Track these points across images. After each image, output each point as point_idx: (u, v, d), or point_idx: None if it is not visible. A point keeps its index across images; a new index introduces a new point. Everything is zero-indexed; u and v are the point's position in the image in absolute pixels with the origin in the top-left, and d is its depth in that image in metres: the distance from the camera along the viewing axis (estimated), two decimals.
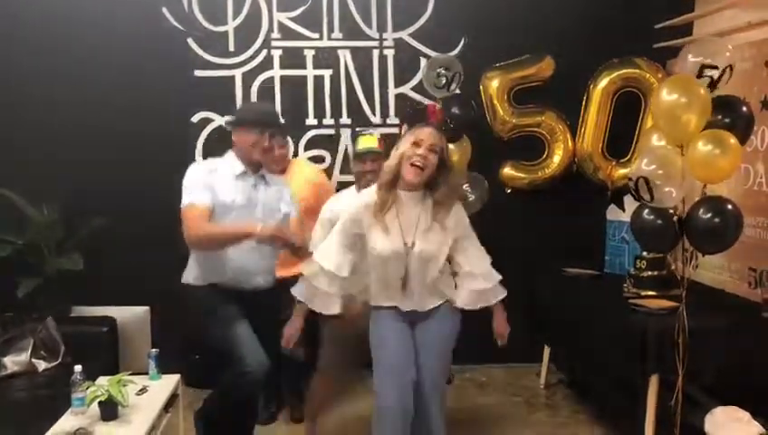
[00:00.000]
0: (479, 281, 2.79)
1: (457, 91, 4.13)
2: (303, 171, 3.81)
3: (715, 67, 2.71)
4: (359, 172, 3.21)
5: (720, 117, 2.76)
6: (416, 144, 2.59)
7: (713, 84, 2.73)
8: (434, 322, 2.78)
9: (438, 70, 4.06)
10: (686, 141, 2.75)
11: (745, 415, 2.73)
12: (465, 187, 4.09)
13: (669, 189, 2.72)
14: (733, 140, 2.66)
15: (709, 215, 2.71)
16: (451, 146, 4.04)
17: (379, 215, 2.64)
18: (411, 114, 2.72)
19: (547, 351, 4.22)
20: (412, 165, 2.58)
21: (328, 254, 2.72)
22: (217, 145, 4.32)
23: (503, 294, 2.87)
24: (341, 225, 2.75)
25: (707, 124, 2.73)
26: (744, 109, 2.81)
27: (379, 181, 2.70)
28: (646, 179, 2.72)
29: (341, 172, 4.40)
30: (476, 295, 2.79)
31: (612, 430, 3.59)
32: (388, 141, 3.12)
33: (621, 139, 4.27)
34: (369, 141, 3.22)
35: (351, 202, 2.85)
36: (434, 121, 2.63)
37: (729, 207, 2.73)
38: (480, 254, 2.81)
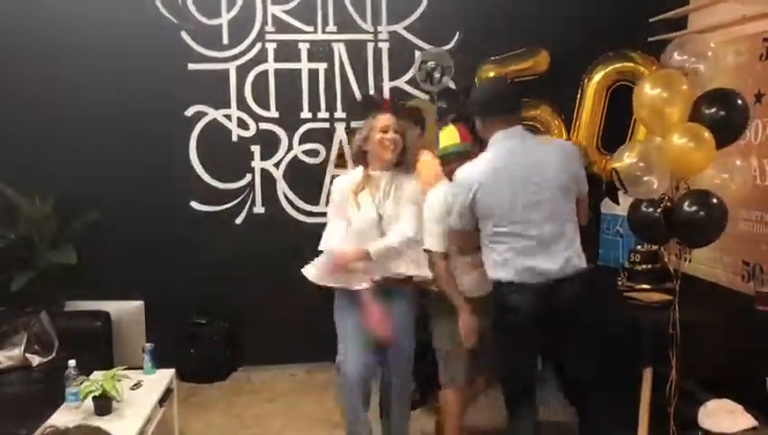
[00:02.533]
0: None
1: (451, 85, 4.12)
2: None
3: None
4: (448, 172, 2.92)
5: (715, 110, 2.76)
6: (383, 130, 2.87)
7: None
8: (396, 303, 2.92)
9: (423, 63, 4.06)
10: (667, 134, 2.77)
11: (738, 407, 2.75)
12: None
13: (649, 180, 2.74)
14: (707, 134, 2.67)
15: (694, 208, 2.73)
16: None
17: (354, 195, 2.91)
18: (366, 105, 2.97)
19: None
20: (385, 146, 2.86)
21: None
22: (211, 138, 4.35)
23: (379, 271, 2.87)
24: (338, 204, 2.97)
25: (702, 117, 2.74)
26: (740, 102, 2.81)
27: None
28: (617, 171, 2.78)
29: (336, 166, 4.40)
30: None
31: (606, 423, 3.60)
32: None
33: (616, 132, 4.27)
34: (449, 138, 2.94)
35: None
36: (387, 108, 2.92)
37: (714, 200, 2.74)
38: (405, 222, 2.85)
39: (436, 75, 4.04)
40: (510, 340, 2.73)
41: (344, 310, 2.92)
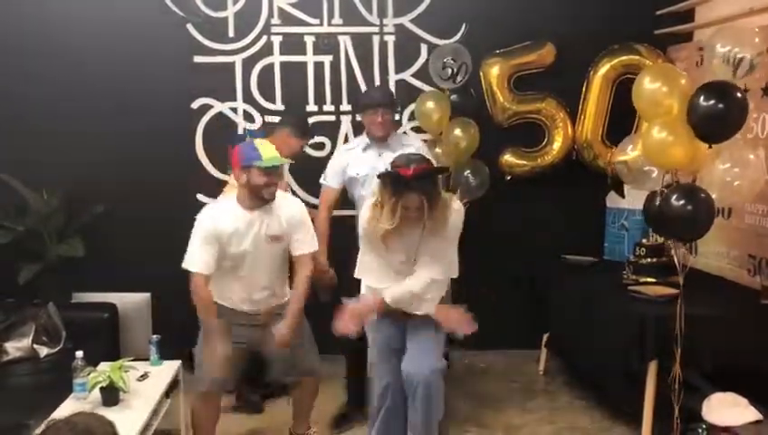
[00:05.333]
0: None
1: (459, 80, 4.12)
2: None
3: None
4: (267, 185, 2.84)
5: (713, 102, 2.76)
6: (405, 207, 2.59)
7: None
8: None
9: (445, 60, 4.05)
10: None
11: (743, 401, 2.75)
12: (467, 174, 4.09)
13: (649, 171, 2.76)
14: (686, 129, 2.67)
15: (681, 202, 2.74)
16: (459, 132, 4.03)
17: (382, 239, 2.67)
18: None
19: (546, 337, 4.24)
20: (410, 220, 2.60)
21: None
22: (217, 131, 4.36)
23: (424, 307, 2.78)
24: (368, 239, 2.77)
25: (700, 110, 2.74)
26: (738, 94, 2.81)
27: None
28: (610, 165, 2.81)
29: None
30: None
31: (611, 417, 3.61)
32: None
33: (621, 126, 4.25)
34: (271, 150, 2.84)
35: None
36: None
37: (702, 195, 2.74)
38: (434, 262, 2.73)
39: (459, 75, 4.02)
40: None
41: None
